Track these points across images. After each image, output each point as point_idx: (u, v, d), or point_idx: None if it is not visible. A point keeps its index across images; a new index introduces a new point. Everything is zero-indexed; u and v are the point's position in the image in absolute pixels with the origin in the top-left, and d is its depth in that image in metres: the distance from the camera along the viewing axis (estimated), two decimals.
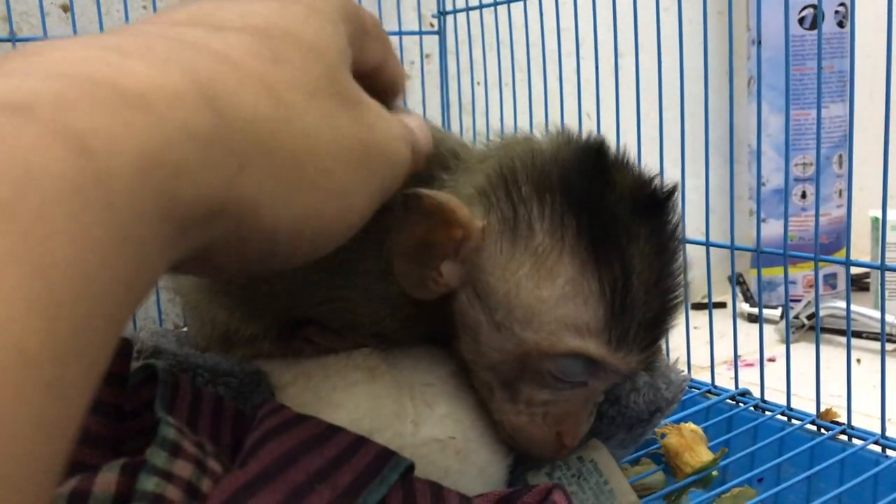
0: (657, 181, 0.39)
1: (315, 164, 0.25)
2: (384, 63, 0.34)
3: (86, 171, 0.18)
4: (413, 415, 0.41)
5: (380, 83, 0.33)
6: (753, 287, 1.23)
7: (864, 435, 0.66)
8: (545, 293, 0.36)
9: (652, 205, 0.38)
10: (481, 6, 1.00)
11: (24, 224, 0.16)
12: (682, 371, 0.50)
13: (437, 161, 0.39)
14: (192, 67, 0.22)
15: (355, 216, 0.28)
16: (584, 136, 0.40)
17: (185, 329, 0.53)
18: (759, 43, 0.67)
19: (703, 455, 0.62)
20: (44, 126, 0.18)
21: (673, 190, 0.40)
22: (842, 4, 1.20)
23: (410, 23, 1.07)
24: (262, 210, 0.23)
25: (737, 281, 1.18)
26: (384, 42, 0.34)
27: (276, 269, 0.27)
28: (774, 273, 1.22)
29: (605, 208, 0.37)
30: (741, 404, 0.75)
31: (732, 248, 0.73)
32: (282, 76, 0.25)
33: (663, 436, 0.64)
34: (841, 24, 1.20)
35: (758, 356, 0.73)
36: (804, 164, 1.21)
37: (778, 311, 1.15)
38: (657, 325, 0.39)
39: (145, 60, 0.21)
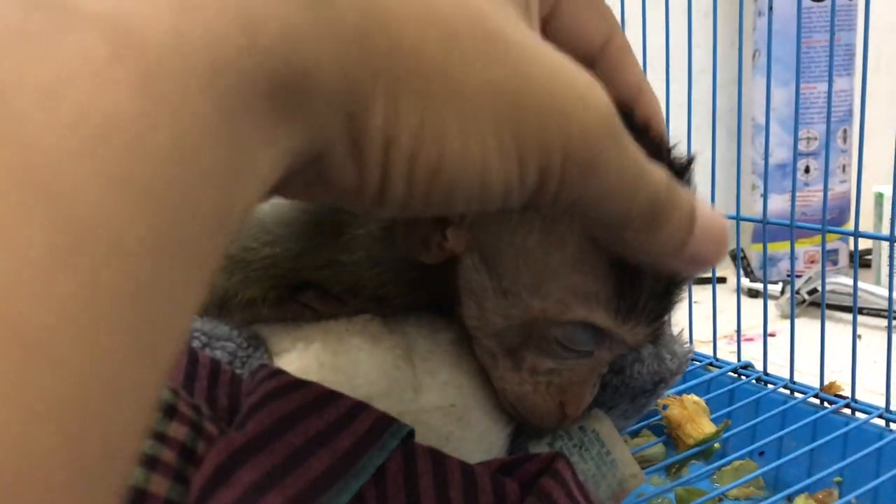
0: (674, 152, 0.38)
1: (445, 73, 0.20)
2: (607, 41, 0.28)
3: (192, 31, 0.15)
4: (414, 381, 0.40)
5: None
6: (754, 263, 1.23)
7: (868, 409, 0.65)
8: (554, 259, 0.35)
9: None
10: None
11: (120, 93, 0.14)
12: (687, 343, 0.49)
13: None
14: None
15: (488, 167, 0.22)
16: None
17: None
18: (771, 9, 0.65)
19: (706, 427, 0.62)
20: None
21: (691, 160, 0.39)
22: None
23: None
24: (376, 109, 0.19)
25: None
26: (606, 17, 0.28)
27: (400, 213, 0.23)
28: (776, 248, 1.21)
29: None
30: (743, 377, 0.74)
31: (738, 219, 0.72)
32: None
33: (665, 407, 0.64)
34: None
35: (758, 331, 0.72)
36: (808, 138, 1.20)
37: (778, 287, 1.14)
38: (666, 297, 0.38)
39: None
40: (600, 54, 0.29)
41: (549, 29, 0.28)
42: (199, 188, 0.15)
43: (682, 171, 0.38)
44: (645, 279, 0.36)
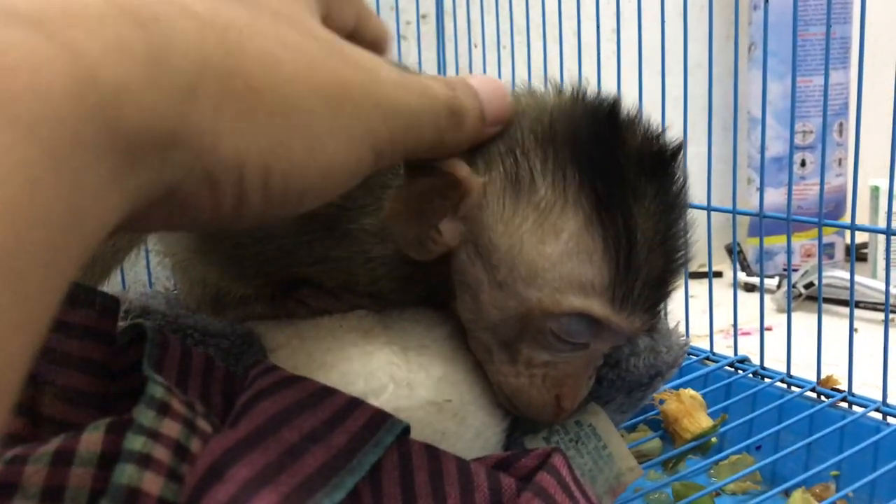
0: (664, 139, 0.38)
1: (273, 92, 0.23)
2: (362, 23, 0.32)
3: (11, 87, 0.16)
4: (408, 377, 0.40)
5: (362, 45, 0.31)
6: (750, 256, 1.22)
7: (865, 402, 0.65)
8: (549, 249, 0.35)
9: (659, 164, 0.37)
10: None
11: None
12: (683, 336, 0.49)
13: None
14: None
15: (332, 162, 0.25)
16: (594, 94, 0.39)
17: (175, 291, 0.52)
18: (767, 2, 0.65)
19: (703, 421, 0.61)
20: None
21: (679, 147, 0.38)
22: None
23: None
24: (222, 142, 0.22)
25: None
26: (354, 3, 0.32)
27: (254, 225, 0.25)
28: (773, 242, 1.21)
29: (612, 166, 0.36)
30: (740, 371, 0.74)
31: (734, 212, 0.72)
32: (231, 9, 0.23)
33: (662, 401, 0.64)
34: None
35: (755, 325, 0.72)
36: (804, 132, 1.20)
37: (774, 281, 1.14)
38: (661, 286, 0.38)
39: None
40: (355, 33, 0.33)
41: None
42: (24, 229, 0.16)
43: (673, 155, 0.38)
44: (641, 267, 0.36)
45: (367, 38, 0.32)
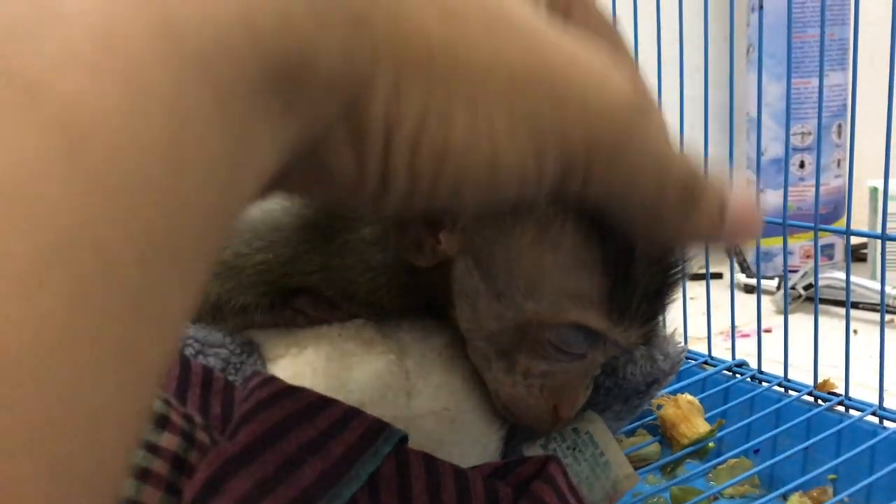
0: None
1: (447, 53, 0.19)
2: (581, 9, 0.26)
3: (185, 18, 0.14)
4: (407, 385, 0.40)
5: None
6: (749, 258, 1.23)
7: (862, 406, 0.65)
8: (548, 263, 0.35)
9: None
10: None
11: (107, 85, 0.13)
12: (680, 343, 0.49)
13: None
14: None
15: (499, 153, 0.20)
16: None
17: None
18: (762, 8, 0.65)
19: (700, 426, 0.62)
20: None
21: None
22: None
23: None
24: (376, 94, 0.18)
25: (733, 252, 1.18)
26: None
27: (404, 210, 0.21)
28: (771, 243, 1.21)
29: None
30: (738, 375, 0.74)
31: None
32: None
33: (659, 407, 0.64)
34: None
35: (753, 327, 0.72)
36: (803, 133, 1.20)
37: (774, 282, 1.14)
38: (659, 299, 0.38)
39: None
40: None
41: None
42: (195, 187, 0.14)
43: None
44: (638, 281, 0.36)
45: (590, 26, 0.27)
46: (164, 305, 0.14)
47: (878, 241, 1.11)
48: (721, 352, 0.79)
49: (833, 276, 1.02)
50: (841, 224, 0.64)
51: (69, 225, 0.12)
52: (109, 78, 0.13)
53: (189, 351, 0.40)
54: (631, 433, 0.67)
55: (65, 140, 0.12)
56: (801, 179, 1.21)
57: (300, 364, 0.40)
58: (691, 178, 0.24)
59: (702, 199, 0.24)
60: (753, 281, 1.15)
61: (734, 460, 0.62)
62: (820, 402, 0.68)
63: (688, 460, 0.63)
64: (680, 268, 0.39)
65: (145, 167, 0.13)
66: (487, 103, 0.19)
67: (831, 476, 0.62)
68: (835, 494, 0.60)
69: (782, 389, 0.71)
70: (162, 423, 0.28)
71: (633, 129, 0.22)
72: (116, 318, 0.13)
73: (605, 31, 0.26)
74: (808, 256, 1.22)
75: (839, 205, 1.23)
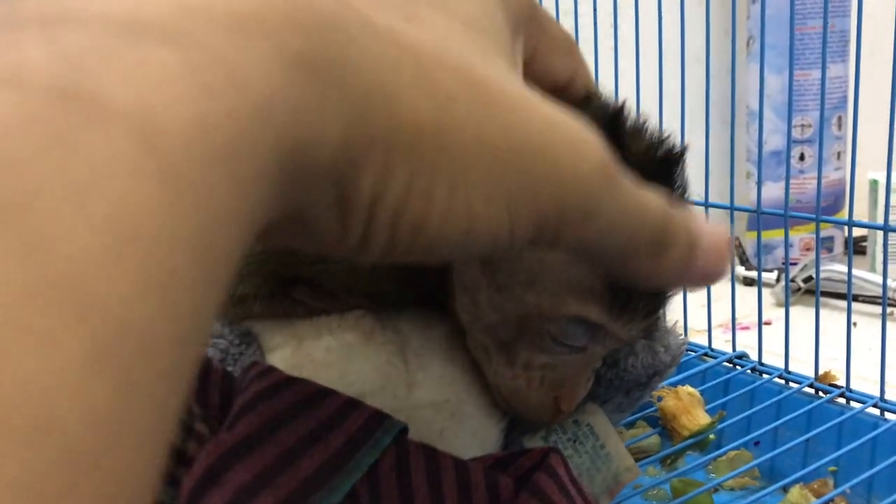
0: (666, 146, 0.38)
1: (435, 134, 0.20)
2: (577, 83, 0.29)
3: (214, 116, 0.15)
4: (407, 377, 0.40)
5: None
6: (749, 250, 1.22)
7: (863, 398, 0.65)
8: (549, 255, 0.35)
9: (659, 171, 0.37)
10: None
11: (149, 187, 0.14)
12: (681, 335, 0.49)
13: None
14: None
15: (475, 224, 0.21)
16: (604, 98, 0.38)
17: None
18: None
19: (700, 418, 0.62)
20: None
21: (681, 154, 0.38)
22: None
23: None
24: (365, 174, 0.19)
25: (734, 244, 1.17)
26: (573, 56, 0.28)
27: (377, 262, 0.23)
28: (771, 236, 1.21)
29: None
30: (738, 367, 0.74)
31: (732, 208, 0.72)
32: (412, 33, 0.21)
33: (660, 398, 0.64)
34: None
35: (753, 319, 0.72)
36: (803, 125, 1.20)
37: (774, 275, 1.14)
38: (660, 293, 0.38)
39: None
40: (564, 89, 0.30)
41: (526, 71, 0.28)
42: (214, 272, 0.15)
43: (674, 163, 0.38)
44: None
45: (575, 93, 0.29)
46: (184, 375, 0.15)
47: (879, 235, 1.12)
48: (721, 344, 0.79)
49: (834, 268, 1.01)
50: (842, 216, 0.64)
51: (117, 319, 0.13)
52: (151, 180, 0.14)
53: None
54: (631, 425, 0.67)
55: (111, 239, 0.13)
56: (802, 172, 1.21)
57: (299, 355, 0.40)
58: (660, 228, 0.25)
59: (672, 244, 0.25)
60: (753, 273, 1.15)
61: (734, 452, 0.62)
62: (821, 394, 0.68)
63: (688, 452, 0.63)
64: None
65: (177, 262, 0.14)
66: (467, 182, 0.21)
67: (832, 468, 0.61)
68: (835, 486, 0.60)
69: (783, 381, 0.71)
70: None
71: (603, 193, 0.23)
72: (157, 403, 0.14)
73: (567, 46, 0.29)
74: (807, 249, 1.21)
75: (839, 197, 1.23)
